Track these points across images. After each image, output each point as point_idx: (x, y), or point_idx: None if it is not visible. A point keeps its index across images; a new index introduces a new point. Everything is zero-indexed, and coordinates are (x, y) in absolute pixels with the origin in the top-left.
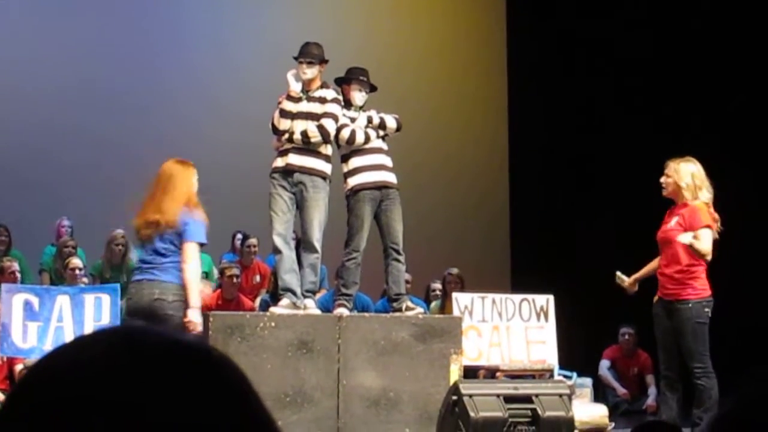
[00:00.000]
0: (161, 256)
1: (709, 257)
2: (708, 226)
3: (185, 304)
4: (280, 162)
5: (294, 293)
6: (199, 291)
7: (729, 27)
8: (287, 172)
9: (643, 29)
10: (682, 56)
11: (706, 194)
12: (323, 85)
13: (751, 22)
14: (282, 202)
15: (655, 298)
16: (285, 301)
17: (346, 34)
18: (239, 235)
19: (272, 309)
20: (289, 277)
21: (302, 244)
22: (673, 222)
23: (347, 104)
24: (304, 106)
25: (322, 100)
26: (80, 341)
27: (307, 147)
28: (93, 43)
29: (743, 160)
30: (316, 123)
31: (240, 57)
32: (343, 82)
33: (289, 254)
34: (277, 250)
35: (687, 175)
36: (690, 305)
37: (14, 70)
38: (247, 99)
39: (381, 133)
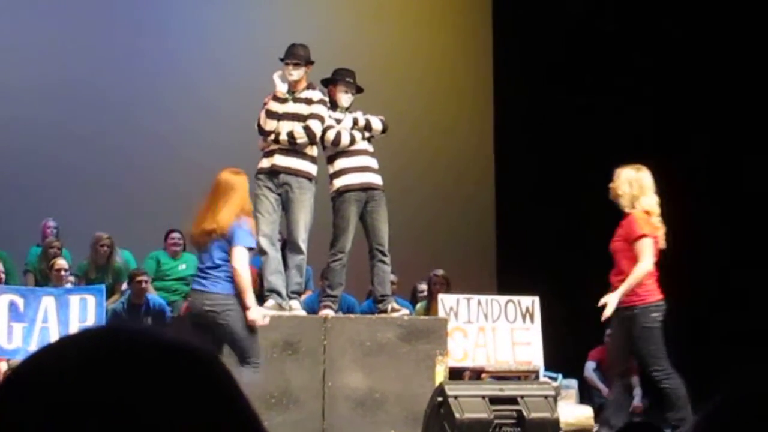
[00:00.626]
0: (214, 267)
1: (649, 267)
2: (644, 236)
3: (240, 307)
4: (265, 163)
5: (279, 294)
6: (251, 290)
7: (723, 32)
8: (273, 173)
9: (633, 36)
10: (671, 65)
11: (646, 202)
12: (309, 87)
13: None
14: (267, 203)
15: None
16: (270, 302)
17: (333, 36)
18: None
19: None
20: (275, 278)
21: (288, 245)
22: (617, 234)
23: (333, 105)
24: (291, 107)
25: (309, 102)
26: (66, 342)
27: (292, 148)
28: (79, 42)
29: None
30: (302, 124)
31: (227, 58)
32: (329, 84)
33: (274, 255)
34: (262, 251)
35: (625, 182)
36: (636, 311)
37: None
38: (234, 100)
39: (367, 134)
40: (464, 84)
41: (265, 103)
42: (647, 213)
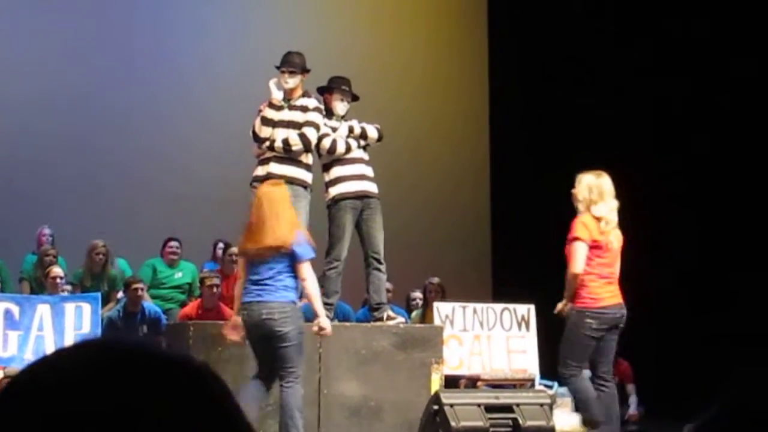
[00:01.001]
0: (269, 279)
1: (576, 270)
2: (576, 239)
3: (296, 317)
4: (260, 170)
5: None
6: (320, 300)
7: (724, 29)
8: (268, 180)
9: (627, 42)
10: (671, 65)
11: (602, 208)
12: (305, 94)
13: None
14: None
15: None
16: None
17: (329, 43)
18: (221, 244)
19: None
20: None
21: None
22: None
23: (329, 113)
24: (286, 115)
25: (304, 109)
26: (63, 353)
27: (288, 156)
28: (77, 52)
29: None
30: (297, 131)
31: (224, 66)
32: (325, 92)
33: None
34: None
35: (585, 187)
36: (573, 312)
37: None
38: (230, 108)
39: (362, 142)
40: (459, 92)
41: (261, 110)
42: (597, 219)
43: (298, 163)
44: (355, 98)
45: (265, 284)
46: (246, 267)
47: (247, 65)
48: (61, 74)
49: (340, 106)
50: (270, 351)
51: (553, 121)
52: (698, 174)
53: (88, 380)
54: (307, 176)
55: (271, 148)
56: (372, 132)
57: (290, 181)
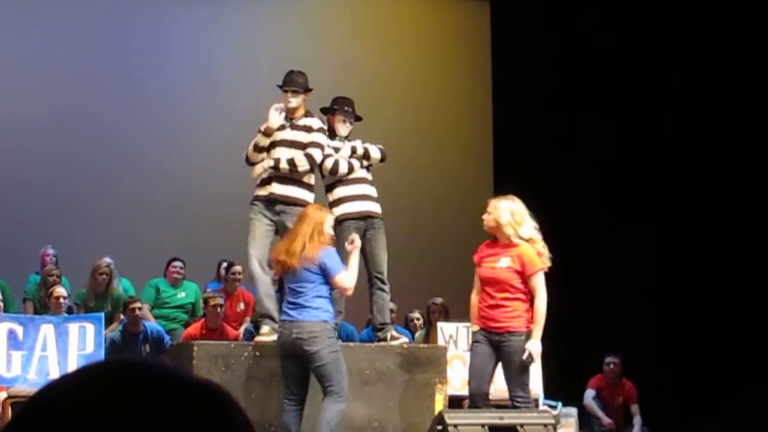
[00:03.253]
0: (302, 298)
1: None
2: (542, 269)
3: (327, 335)
4: (262, 191)
5: (272, 319)
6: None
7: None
8: (270, 201)
9: (628, 53)
10: (664, 79)
11: (527, 230)
12: (307, 114)
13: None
14: (262, 228)
15: (477, 328)
16: (265, 328)
17: (331, 61)
18: (224, 264)
19: (257, 339)
20: (267, 302)
21: None
22: (503, 263)
23: (331, 134)
24: (289, 135)
25: (308, 129)
26: (81, 373)
27: (291, 176)
28: (78, 71)
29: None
30: (303, 152)
31: (227, 85)
32: (328, 112)
33: (264, 279)
34: (254, 276)
35: (506, 212)
36: (524, 338)
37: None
38: (232, 126)
39: (365, 163)
40: (462, 111)
41: (260, 131)
42: (531, 240)
43: (300, 183)
44: (357, 119)
45: (297, 303)
46: (284, 282)
47: (250, 83)
48: (65, 96)
49: (343, 128)
50: (301, 371)
51: (559, 138)
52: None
53: (109, 401)
54: (309, 197)
55: (276, 168)
56: (375, 153)
57: (293, 202)
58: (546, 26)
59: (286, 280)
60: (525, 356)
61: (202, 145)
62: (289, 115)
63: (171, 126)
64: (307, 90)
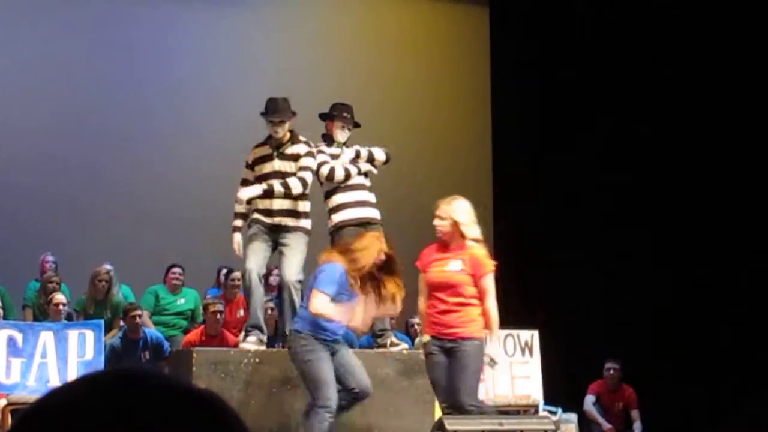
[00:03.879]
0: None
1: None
2: (491, 271)
3: (303, 346)
4: (263, 218)
5: (261, 330)
6: (331, 312)
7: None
8: (271, 228)
9: (637, 60)
10: (665, 89)
11: (478, 230)
12: (293, 139)
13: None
14: (261, 242)
15: (428, 338)
16: (252, 338)
17: (330, 67)
18: (224, 270)
19: (241, 344)
20: (259, 313)
21: (283, 286)
22: (455, 266)
23: (330, 140)
24: (277, 165)
25: (295, 157)
26: (81, 383)
27: (289, 206)
28: (79, 78)
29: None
30: (297, 175)
31: (226, 91)
32: (326, 118)
33: (259, 290)
34: (249, 286)
35: (463, 212)
36: (477, 343)
37: (2, 100)
38: (232, 133)
39: (366, 167)
40: (461, 118)
41: (247, 162)
42: (478, 241)
43: (296, 214)
44: (356, 125)
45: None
46: None
47: (250, 90)
48: (64, 102)
49: (341, 134)
50: None
51: (557, 146)
52: (716, 184)
53: (109, 410)
54: (307, 224)
55: (269, 195)
56: (380, 154)
57: (293, 230)
58: (544, 29)
59: None
60: (488, 362)
61: (202, 152)
62: (275, 143)
63: (172, 133)
64: (291, 115)
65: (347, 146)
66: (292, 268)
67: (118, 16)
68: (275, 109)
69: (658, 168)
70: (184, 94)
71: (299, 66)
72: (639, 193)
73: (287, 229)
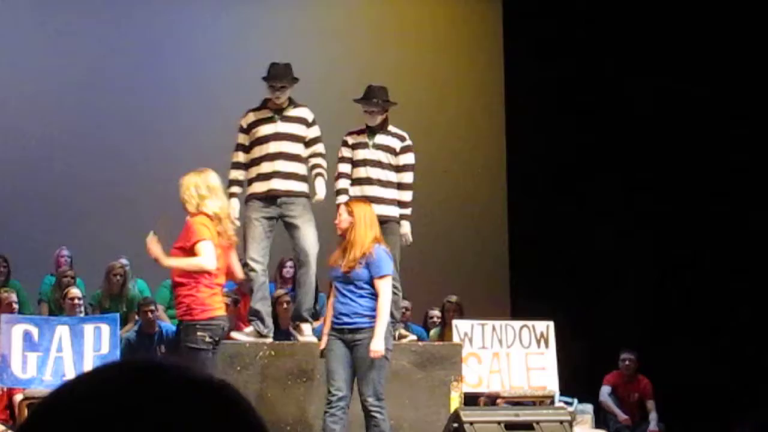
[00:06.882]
0: None
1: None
2: (202, 240)
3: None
4: (260, 187)
5: (262, 321)
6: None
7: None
8: (269, 197)
9: (639, 70)
10: (677, 95)
11: (214, 205)
12: (291, 102)
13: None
14: (260, 230)
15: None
16: (250, 328)
17: (346, 60)
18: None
19: (234, 335)
20: (261, 304)
21: (300, 264)
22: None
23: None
24: (281, 127)
25: (302, 121)
26: (96, 374)
27: (291, 171)
28: (94, 73)
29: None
30: (321, 154)
31: (227, 88)
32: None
33: (263, 281)
34: (251, 277)
35: (190, 186)
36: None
37: (11, 100)
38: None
39: (387, 160)
40: (477, 114)
41: (241, 126)
42: (214, 216)
43: (299, 177)
44: (385, 109)
45: None
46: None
47: (256, 93)
48: (79, 97)
49: (370, 119)
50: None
51: (571, 140)
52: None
53: (126, 402)
54: (306, 188)
55: (272, 158)
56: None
57: (295, 194)
58: (559, 24)
59: None
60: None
61: (223, 143)
62: (274, 106)
63: (194, 122)
64: (293, 81)
65: (382, 129)
66: (309, 239)
67: (109, 15)
68: (277, 75)
69: (676, 161)
70: (205, 81)
71: (316, 57)
72: (657, 182)
73: (289, 195)
